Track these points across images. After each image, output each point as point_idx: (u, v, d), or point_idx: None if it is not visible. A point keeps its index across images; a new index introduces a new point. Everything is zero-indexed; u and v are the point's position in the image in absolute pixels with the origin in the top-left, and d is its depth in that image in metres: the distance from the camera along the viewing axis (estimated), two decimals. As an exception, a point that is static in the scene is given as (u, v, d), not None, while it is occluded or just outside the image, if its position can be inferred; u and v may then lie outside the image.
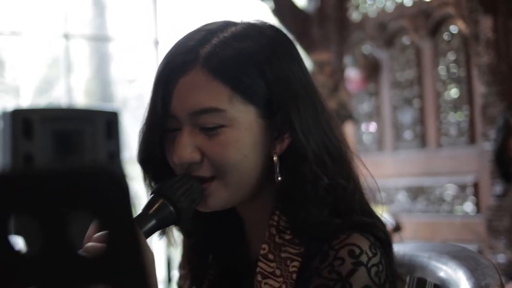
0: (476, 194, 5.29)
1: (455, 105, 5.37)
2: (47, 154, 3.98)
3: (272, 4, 6.07)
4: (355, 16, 6.20)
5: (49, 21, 6.21)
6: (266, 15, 6.21)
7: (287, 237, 1.17)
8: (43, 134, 3.97)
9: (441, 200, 5.50)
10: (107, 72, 6.97)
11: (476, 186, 5.28)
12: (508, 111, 3.20)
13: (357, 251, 1.13)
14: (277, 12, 6.11)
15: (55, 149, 4.03)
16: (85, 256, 0.63)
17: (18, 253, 0.64)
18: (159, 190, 1.15)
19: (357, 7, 6.17)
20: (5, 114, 3.91)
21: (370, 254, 1.13)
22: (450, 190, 5.43)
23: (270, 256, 1.17)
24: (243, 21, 1.23)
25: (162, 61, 1.19)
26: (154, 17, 6.14)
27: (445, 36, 5.39)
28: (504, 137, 3.08)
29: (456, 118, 5.37)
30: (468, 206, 5.35)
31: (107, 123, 4.19)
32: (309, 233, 1.15)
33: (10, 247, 0.64)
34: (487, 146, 4.97)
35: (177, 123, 1.18)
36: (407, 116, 5.72)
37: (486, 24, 4.81)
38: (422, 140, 5.62)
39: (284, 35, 1.23)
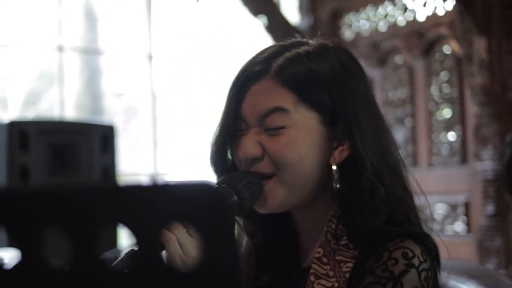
0: (467, 214, 5.31)
1: (447, 125, 5.41)
2: (43, 167, 3.97)
3: (265, 20, 6.09)
4: (347, 34, 6.24)
5: (38, 33, 6.19)
6: (259, 31, 6.23)
7: (342, 242, 1.25)
8: (39, 146, 3.97)
9: (432, 219, 5.52)
10: (98, 85, 6.96)
11: (467, 206, 5.31)
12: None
13: (410, 254, 1.21)
14: (270, 28, 6.13)
15: (51, 161, 4.02)
16: (180, 269, 0.63)
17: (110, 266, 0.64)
18: (224, 180, 1.24)
19: (350, 25, 6.21)
20: (1, 126, 3.90)
21: (422, 259, 1.22)
22: (441, 210, 5.46)
23: (324, 260, 1.25)
24: (316, 41, 1.35)
25: (239, 70, 1.31)
26: (149, 31, 6.15)
27: (438, 56, 5.43)
28: (512, 152, 3.11)
29: (448, 138, 5.40)
30: (459, 226, 5.37)
31: (102, 136, 4.20)
32: (364, 239, 1.23)
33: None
34: (479, 166, 5.01)
35: (246, 125, 1.29)
36: (399, 135, 5.75)
37: (480, 45, 4.85)
38: (413, 159, 5.65)
39: (352, 56, 1.34)
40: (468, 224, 5.31)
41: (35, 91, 6.90)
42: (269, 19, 6.13)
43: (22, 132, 3.89)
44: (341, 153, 1.27)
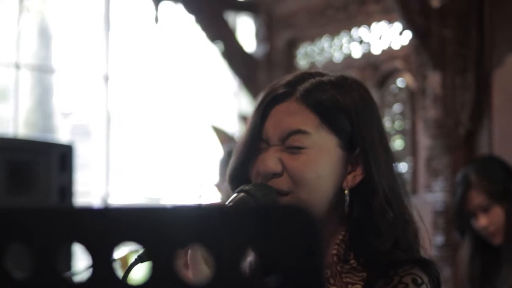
0: (416, 244, 5.40)
1: (399, 156, 5.51)
2: (0, 184, 3.93)
3: (222, 46, 6.14)
4: (302, 64, 6.32)
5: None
6: (215, 58, 6.28)
7: (350, 265, 1.28)
8: (-2, 163, 3.92)
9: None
10: (49, 104, 6.90)
11: (416, 236, 5.40)
12: (469, 166, 3.32)
13: (419, 280, 1.30)
14: (226, 55, 6.19)
15: (8, 179, 3.98)
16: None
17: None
18: (243, 189, 1.30)
19: (305, 55, 6.30)
20: (-42, 141, 3.85)
21: (429, 287, 1.30)
22: (390, 239, 5.54)
23: (331, 280, 1.34)
24: (336, 73, 1.44)
25: (265, 91, 1.40)
26: (106, 52, 6.13)
27: (392, 89, 5.54)
28: (464, 191, 3.18)
29: (399, 169, 5.51)
30: (408, 255, 5.46)
31: (61, 156, 4.17)
32: (373, 261, 1.26)
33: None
34: (429, 198, 5.12)
35: (266, 145, 1.35)
36: (351, 164, 5.83)
37: (434, 79, 4.98)
38: (364, 189, 5.72)
39: (368, 90, 1.41)
40: (416, 254, 5.40)
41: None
42: (225, 45, 6.18)
43: (-20, 149, 3.84)
44: (354, 178, 1.35)
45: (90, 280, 0.69)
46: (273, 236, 0.66)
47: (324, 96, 1.35)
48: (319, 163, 1.32)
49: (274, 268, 0.66)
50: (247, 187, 1.30)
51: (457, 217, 3.27)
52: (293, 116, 1.33)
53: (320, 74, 1.40)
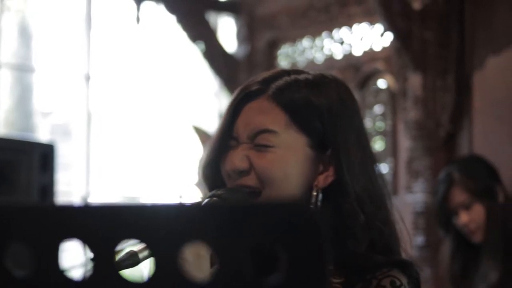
0: (396, 244, 5.42)
1: (380, 157, 5.53)
2: (-19, 184, 3.90)
3: (203, 47, 6.14)
4: (283, 64, 6.32)
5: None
6: (196, 58, 6.28)
7: None
8: (-22, 163, 3.90)
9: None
10: (29, 103, 6.86)
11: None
12: (452, 165, 3.35)
13: (398, 282, 1.29)
14: (207, 55, 6.18)
15: (-11, 179, 3.95)
16: None
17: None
18: (215, 194, 1.29)
19: (286, 56, 6.31)
20: None
21: None
22: (370, 239, 5.55)
23: None
24: (315, 72, 1.42)
25: (238, 88, 1.38)
26: (87, 52, 6.11)
27: (373, 90, 5.56)
28: (446, 189, 3.22)
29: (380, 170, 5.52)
30: (388, 256, 5.48)
31: (42, 155, 4.16)
32: (350, 265, 1.25)
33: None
34: (410, 199, 5.15)
35: (236, 142, 1.35)
36: (331, 165, 5.84)
37: (415, 81, 5.01)
38: (345, 189, 5.73)
39: (349, 90, 1.37)
40: (397, 254, 5.42)
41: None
42: (206, 46, 6.18)
43: (-39, 148, 3.82)
44: (325, 178, 1.34)
45: (91, 277, 0.69)
46: (276, 234, 0.66)
47: (296, 95, 1.33)
48: (286, 162, 1.32)
49: (277, 266, 0.66)
50: (219, 192, 1.29)
51: (439, 214, 3.31)
52: (263, 114, 1.33)
53: (298, 72, 1.39)
